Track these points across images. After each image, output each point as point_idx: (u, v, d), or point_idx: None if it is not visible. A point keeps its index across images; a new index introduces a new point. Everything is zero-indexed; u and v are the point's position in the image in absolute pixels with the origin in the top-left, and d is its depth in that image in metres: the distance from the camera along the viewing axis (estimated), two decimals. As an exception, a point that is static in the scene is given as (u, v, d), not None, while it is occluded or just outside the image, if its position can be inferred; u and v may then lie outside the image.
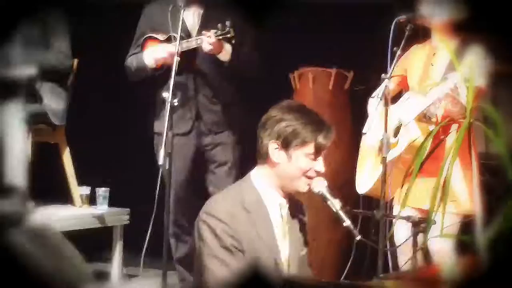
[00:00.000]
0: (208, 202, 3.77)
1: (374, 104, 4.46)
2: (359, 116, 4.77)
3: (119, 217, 5.84)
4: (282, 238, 3.69)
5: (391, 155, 4.36)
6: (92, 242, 5.62)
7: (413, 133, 4.36)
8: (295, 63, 5.99)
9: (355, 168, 4.72)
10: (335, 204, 3.62)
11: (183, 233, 5.30)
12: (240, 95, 5.45)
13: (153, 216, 4.70)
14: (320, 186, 3.65)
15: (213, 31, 4.96)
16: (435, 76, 4.44)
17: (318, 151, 3.63)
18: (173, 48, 4.99)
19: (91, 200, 5.88)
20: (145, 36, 5.37)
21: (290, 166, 3.63)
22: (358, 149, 4.77)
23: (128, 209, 5.87)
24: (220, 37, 4.94)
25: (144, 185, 5.01)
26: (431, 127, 4.30)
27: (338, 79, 5.87)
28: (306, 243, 3.83)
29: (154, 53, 5.23)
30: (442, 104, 4.30)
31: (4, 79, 5.39)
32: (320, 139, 3.61)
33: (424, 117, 4.36)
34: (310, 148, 3.61)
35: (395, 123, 4.47)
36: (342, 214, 3.61)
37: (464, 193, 4.31)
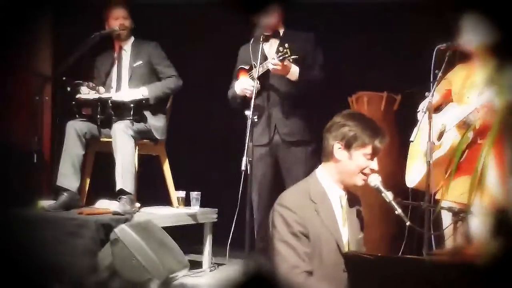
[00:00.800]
0: (281, 195, 3.74)
1: (420, 116, 4.44)
2: (405, 131, 4.69)
3: (209, 215, 5.83)
4: (342, 224, 3.64)
5: (435, 155, 4.32)
6: (187, 237, 5.62)
7: (454, 138, 4.28)
8: (353, 88, 5.94)
9: (403, 171, 4.67)
10: (388, 195, 3.58)
11: (264, 225, 5.24)
12: (309, 115, 5.37)
13: (236, 214, 4.65)
14: (376, 180, 3.62)
15: (275, 55, 4.93)
16: (472, 91, 4.36)
17: (374, 152, 3.62)
18: (252, 81, 5.02)
19: (186, 201, 5.89)
20: (237, 68, 5.39)
21: (351, 164, 3.61)
22: (405, 157, 4.72)
23: (216, 209, 5.87)
24: (281, 57, 4.88)
25: (229, 189, 4.97)
26: (470, 134, 4.24)
27: (388, 101, 5.81)
28: (362, 228, 3.78)
29: (240, 84, 5.24)
30: (480, 114, 4.21)
31: (117, 103, 5.48)
32: (377, 142, 3.60)
33: (464, 124, 4.28)
34: (368, 149, 3.60)
35: (439, 127, 4.41)
36: (394, 204, 3.55)
37: (498, 189, 4.20)
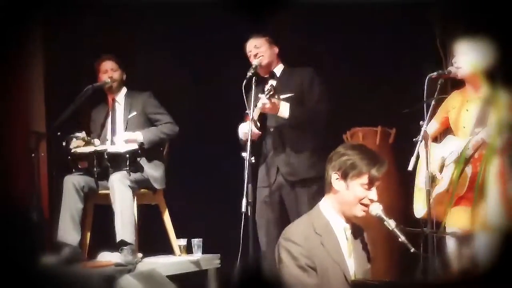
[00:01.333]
0: (285, 229, 3.75)
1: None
2: (402, 164, 4.69)
3: (212, 261, 5.78)
4: (348, 256, 3.64)
5: (438, 189, 4.33)
6: (191, 285, 5.58)
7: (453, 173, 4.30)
8: (348, 124, 5.98)
9: (404, 203, 4.70)
10: (391, 223, 3.59)
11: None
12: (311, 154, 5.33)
13: (239, 258, 4.59)
14: (377, 209, 3.62)
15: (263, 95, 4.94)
16: (468, 120, 4.39)
17: (371, 181, 3.61)
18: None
19: (188, 249, 5.86)
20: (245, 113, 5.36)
21: (348, 194, 3.61)
22: (405, 189, 4.75)
23: (218, 255, 5.83)
24: (267, 95, 4.90)
25: (231, 233, 4.94)
26: (468, 167, 4.26)
27: (383, 135, 5.85)
28: (369, 259, 3.77)
29: (241, 129, 5.25)
30: (474, 149, 4.23)
31: (112, 155, 5.48)
32: (373, 171, 3.60)
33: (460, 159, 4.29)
34: (364, 179, 3.60)
35: (440, 160, 4.42)
36: (397, 231, 3.56)
37: (503, 215, 4.23)
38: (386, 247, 5.00)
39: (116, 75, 5.88)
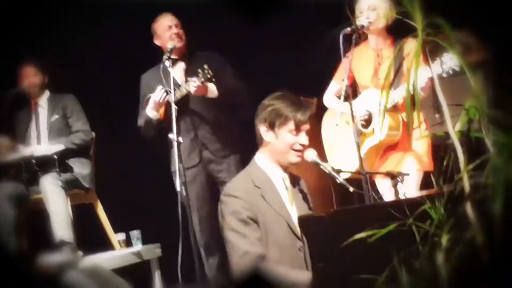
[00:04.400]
0: (225, 186, 3.77)
1: (333, 101, 4.72)
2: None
3: (153, 251, 5.77)
4: (290, 204, 3.66)
5: (370, 142, 4.46)
6: (135, 278, 5.51)
7: (390, 122, 4.44)
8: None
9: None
10: (327, 167, 3.63)
11: (211, 246, 5.23)
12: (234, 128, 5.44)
13: (180, 239, 4.53)
14: (312, 155, 3.66)
15: (194, 78, 4.98)
16: (383, 73, 4.48)
17: (298, 126, 3.64)
18: (159, 94, 5.06)
19: (128, 243, 5.83)
20: (146, 97, 5.36)
21: (279, 143, 3.64)
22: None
23: (158, 244, 5.81)
24: (202, 79, 4.95)
25: (169, 219, 4.90)
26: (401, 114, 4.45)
27: (306, 105, 5.88)
28: (309, 207, 3.79)
29: (151, 104, 5.23)
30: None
31: (40, 158, 5.39)
32: (298, 116, 3.63)
33: (394, 108, 4.42)
34: (291, 124, 3.63)
35: (363, 115, 4.50)
36: (334, 174, 3.60)
37: (425, 154, 4.37)
38: (324, 193, 5.04)
39: (37, 80, 5.82)
